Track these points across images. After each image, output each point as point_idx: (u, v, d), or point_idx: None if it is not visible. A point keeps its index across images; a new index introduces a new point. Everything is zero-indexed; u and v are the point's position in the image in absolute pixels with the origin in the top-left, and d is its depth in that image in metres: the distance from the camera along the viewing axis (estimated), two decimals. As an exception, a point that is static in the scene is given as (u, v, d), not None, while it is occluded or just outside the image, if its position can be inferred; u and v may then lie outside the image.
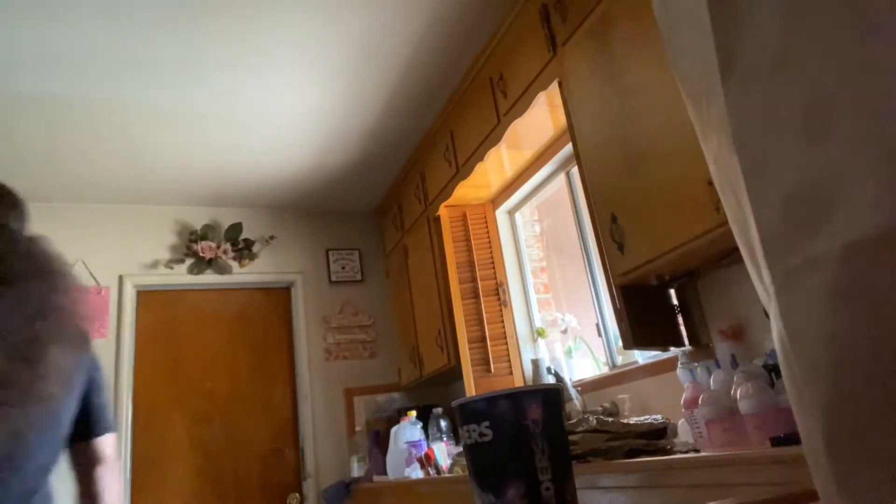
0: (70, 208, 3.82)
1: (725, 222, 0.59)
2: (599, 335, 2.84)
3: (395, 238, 4.10)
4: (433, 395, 3.86)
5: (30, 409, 1.15)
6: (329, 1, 2.44)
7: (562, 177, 3.10)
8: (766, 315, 0.48)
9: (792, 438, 1.34)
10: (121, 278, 3.80)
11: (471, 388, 3.22)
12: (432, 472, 2.94)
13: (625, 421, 1.90)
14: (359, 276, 4.32)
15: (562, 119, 2.46)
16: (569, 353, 3.13)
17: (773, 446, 1.39)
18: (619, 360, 2.74)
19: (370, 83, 3.01)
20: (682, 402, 1.85)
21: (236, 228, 4.10)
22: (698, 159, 0.75)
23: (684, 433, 1.86)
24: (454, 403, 0.64)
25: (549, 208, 3.48)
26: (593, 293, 2.87)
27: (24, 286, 1.19)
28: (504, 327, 3.36)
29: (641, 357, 2.51)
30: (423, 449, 3.10)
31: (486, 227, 3.54)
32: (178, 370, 3.83)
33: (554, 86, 2.35)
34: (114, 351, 3.66)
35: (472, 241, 3.50)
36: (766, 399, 1.53)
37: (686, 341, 2.13)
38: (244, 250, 4.08)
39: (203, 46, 2.60)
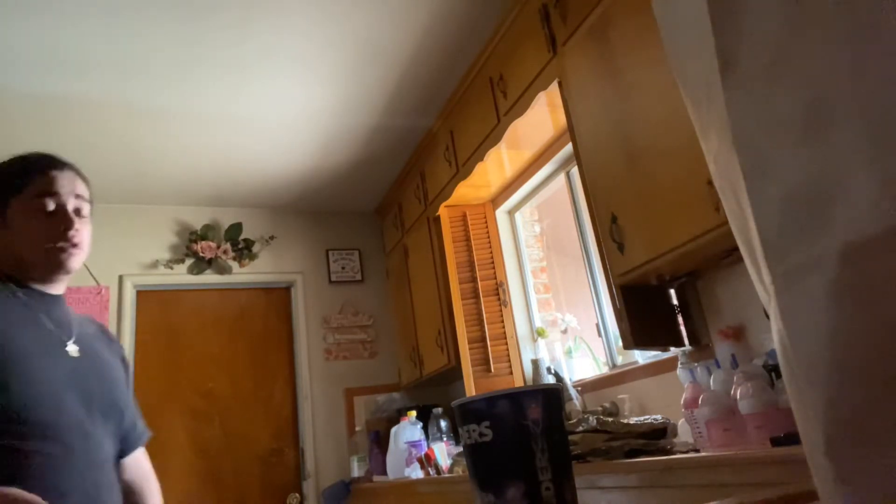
0: (70, 208, 3.82)
1: (725, 222, 0.59)
2: (599, 335, 2.84)
3: (395, 238, 4.10)
4: (433, 395, 3.86)
5: None
6: (330, 1, 2.44)
7: (562, 177, 3.10)
8: (766, 315, 0.48)
9: (792, 438, 1.34)
10: (121, 278, 3.80)
11: (471, 388, 3.22)
12: (432, 472, 2.94)
13: (625, 421, 1.90)
14: (359, 276, 4.32)
15: (562, 119, 2.46)
16: (569, 353, 3.13)
17: (773, 446, 1.39)
18: (619, 360, 2.74)
19: (370, 83, 3.01)
20: (682, 402, 1.85)
21: (236, 228, 4.10)
22: (698, 159, 0.75)
23: (684, 433, 1.86)
24: (454, 403, 0.64)
25: (549, 208, 3.48)
26: (593, 293, 2.87)
27: None
28: (504, 327, 3.36)
29: (641, 357, 2.51)
30: (423, 449, 3.09)
31: (486, 227, 3.54)
32: (178, 370, 3.83)
33: (554, 86, 2.35)
34: (114, 351, 3.65)
35: (472, 241, 3.49)
36: (766, 399, 1.53)
37: (686, 341, 2.13)
38: (244, 250, 4.08)
39: (204, 47, 2.60)
